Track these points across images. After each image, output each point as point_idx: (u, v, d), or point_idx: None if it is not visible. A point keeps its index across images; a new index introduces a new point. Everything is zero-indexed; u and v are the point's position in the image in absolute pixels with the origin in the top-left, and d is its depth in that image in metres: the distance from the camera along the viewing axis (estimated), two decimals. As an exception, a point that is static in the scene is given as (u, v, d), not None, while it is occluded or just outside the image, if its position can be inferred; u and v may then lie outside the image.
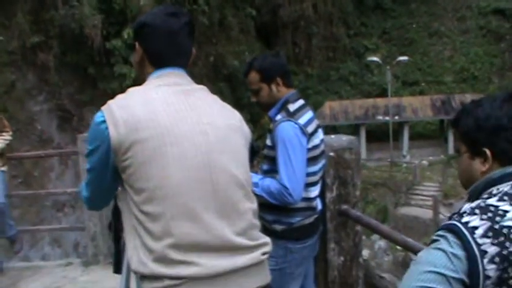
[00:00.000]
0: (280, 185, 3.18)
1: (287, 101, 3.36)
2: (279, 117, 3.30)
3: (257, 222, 2.21)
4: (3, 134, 6.64)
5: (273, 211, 3.38)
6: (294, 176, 3.17)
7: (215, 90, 14.12)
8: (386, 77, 31.46)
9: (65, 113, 13.15)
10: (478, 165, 1.76)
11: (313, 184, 3.39)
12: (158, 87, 2.12)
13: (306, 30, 26.96)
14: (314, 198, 3.43)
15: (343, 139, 4.01)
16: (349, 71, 32.71)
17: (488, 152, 1.73)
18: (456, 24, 36.80)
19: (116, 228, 2.39)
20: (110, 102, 2.04)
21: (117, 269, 2.35)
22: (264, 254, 2.17)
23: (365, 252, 17.30)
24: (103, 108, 2.03)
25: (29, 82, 13.28)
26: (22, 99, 12.88)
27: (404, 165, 30.31)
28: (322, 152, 3.47)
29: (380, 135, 30.80)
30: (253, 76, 3.42)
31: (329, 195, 3.89)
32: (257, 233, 2.20)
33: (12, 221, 6.87)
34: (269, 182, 3.26)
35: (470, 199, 1.77)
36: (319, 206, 3.56)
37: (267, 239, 2.23)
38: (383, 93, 32.48)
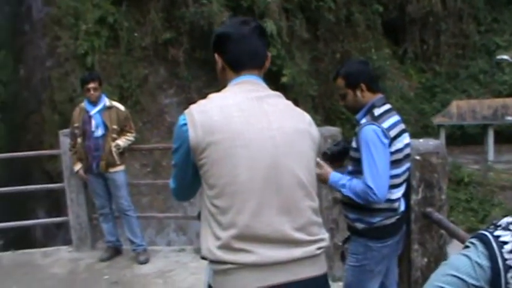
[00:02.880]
0: (365, 185, 3.35)
1: (373, 106, 3.54)
2: (363, 120, 3.49)
3: (317, 220, 2.43)
4: (128, 134, 7.06)
5: (356, 210, 3.58)
6: (378, 176, 3.34)
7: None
8: (518, 76, 29.90)
9: (194, 106, 13.65)
10: None
11: (396, 186, 3.53)
12: (234, 94, 2.41)
13: (435, 27, 26.10)
14: (396, 200, 3.57)
15: (430, 143, 4.11)
16: (479, 69, 31.17)
17: None
18: None
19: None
20: (192, 106, 2.37)
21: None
22: (319, 248, 2.39)
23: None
24: (185, 112, 2.36)
25: (160, 76, 13.95)
26: (153, 92, 13.57)
27: (535, 168, 28.70)
28: (407, 156, 3.60)
29: (509, 137, 29.36)
30: (340, 81, 3.64)
31: (414, 197, 4.00)
32: (316, 229, 2.42)
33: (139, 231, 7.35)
34: (355, 183, 3.45)
35: None
36: (402, 208, 3.68)
37: (325, 236, 2.45)
38: (515, 93, 30.86)
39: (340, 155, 3.86)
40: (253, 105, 2.38)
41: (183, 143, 2.36)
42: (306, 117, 2.53)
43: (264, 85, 2.51)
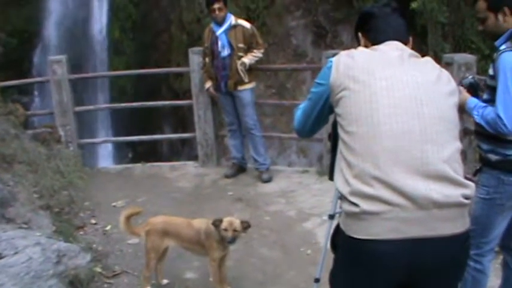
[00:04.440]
0: (496, 115, 3.19)
1: None
2: (503, 47, 3.28)
3: (461, 162, 2.31)
4: (255, 51, 7.09)
5: (490, 141, 3.41)
6: (510, 106, 3.15)
7: (472, 15, 13.40)
8: None
9: (320, 29, 13.43)
10: None
11: None
12: (380, 47, 2.48)
13: None
14: None
15: None
16: None
17: None
18: None
19: (334, 139, 2.64)
20: (342, 52, 2.49)
21: (332, 177, 2.60)
22: (465, 197, 2.22)
23: None
24: (335, 57, 2.48)
25: (287, -2, 13.81)
26: (280, 14, 13.43)
27: None
28: None
29: None
30: (481, 4, 3.42)
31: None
32: (460, 170, 2.27)
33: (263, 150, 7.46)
34: (488, 111, 3.28)
35: None
36: None
37: (471, 183, 2.28)
38: None
39: (470, 89, 3.66)
40: (396, 56, 2.42)
41: (325, 82, 2.46)
42: (445, 72, 2.50)
43: (404, 46, 2.52)
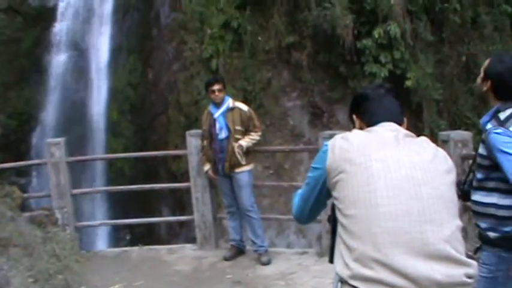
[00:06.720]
0: None
1: (498, 110, 3.39)
2: (489, 126, 3.34)
3: (462, 240, 2.29)
4: (252, 134, 7.14)
5: (488, 218, 3.41)
6: None
7: (466, 91, 13.60)
8: None
9: (316, 109, 13.59)
10: None
11: None
12: (375, 129, 2.48)
13: None
14: None
15: None
16: None
17: None
18: None
19: (334, 221, 2.62)
20: (336, 136, 2.50)
21: (332, 260, 2.57)
22: (468, 276, 2.19)
23: None
24: (330, 140, 2.47)
25: (284, 79, 13.96)
26: (277, 95, 13.61)
27: None
28: None
29: None
30: (486, 62, 3.50)
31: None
32: (462, 249, 2.25)
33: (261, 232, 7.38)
34: None
35: None
36: None
37: (474, 262, 2.27)
38: None
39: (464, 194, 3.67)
40: (391, 137, 2.42)
41: (321, 166, 2.46)
42: (442, 151, 2.51)
43: (399, 127, 2.53)
